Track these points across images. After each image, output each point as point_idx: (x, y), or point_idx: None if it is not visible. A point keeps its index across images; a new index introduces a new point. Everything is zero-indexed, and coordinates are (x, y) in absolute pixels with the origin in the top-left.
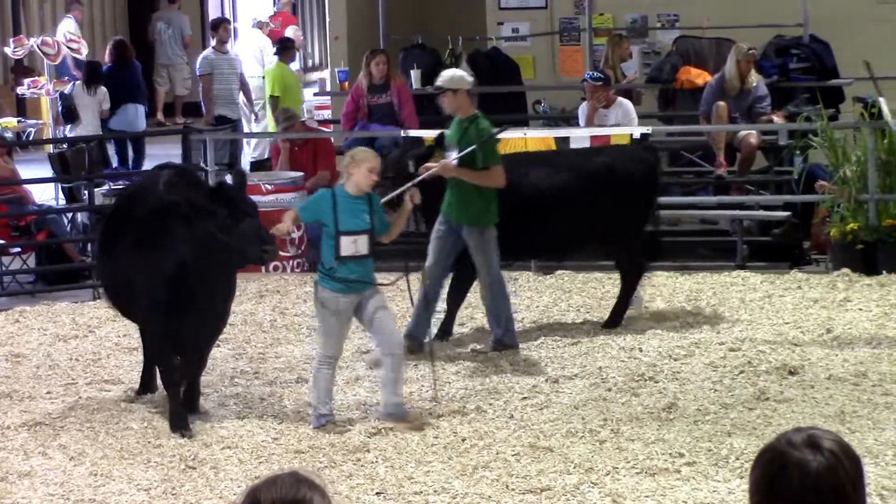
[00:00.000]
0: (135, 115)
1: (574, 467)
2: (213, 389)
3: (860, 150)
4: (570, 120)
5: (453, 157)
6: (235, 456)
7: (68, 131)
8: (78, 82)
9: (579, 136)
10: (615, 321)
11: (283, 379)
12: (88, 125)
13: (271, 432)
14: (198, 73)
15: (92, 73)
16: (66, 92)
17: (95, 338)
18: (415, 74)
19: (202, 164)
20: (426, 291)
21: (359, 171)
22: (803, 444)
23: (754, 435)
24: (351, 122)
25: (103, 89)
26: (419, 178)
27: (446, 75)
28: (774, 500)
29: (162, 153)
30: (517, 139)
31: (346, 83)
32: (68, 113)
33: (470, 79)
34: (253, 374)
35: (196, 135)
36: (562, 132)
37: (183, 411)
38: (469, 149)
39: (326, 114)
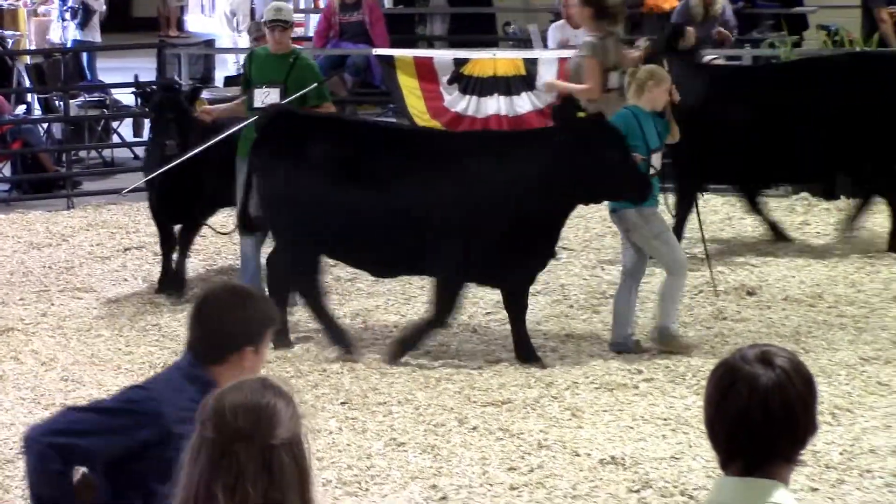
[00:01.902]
0: None
1: (535, 381)
2: (184, 298)
3: None
4: (538, 44)
5: (272, 94)
6: None
7: (81, 35)
8: None
9: (548, 58)
10: None
11: None
12: (96, 29)
13: None
14: None
15: None
16: None
17: (69, 246)
18: None
19: (176, 78)
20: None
21: (659, 90)
22: (756, 359)
23: (711, 353)
24: (323, 40)
25: None
26: (254, 119)
27: (286, 8)
28: (724, 413)
29: (134, 66)
30: (486, 59)
31: (319, 1)
32: (86, 17)
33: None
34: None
35: (170, 49)
36: (530, 54)
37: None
38: (312, 86)
39: (300, 31)
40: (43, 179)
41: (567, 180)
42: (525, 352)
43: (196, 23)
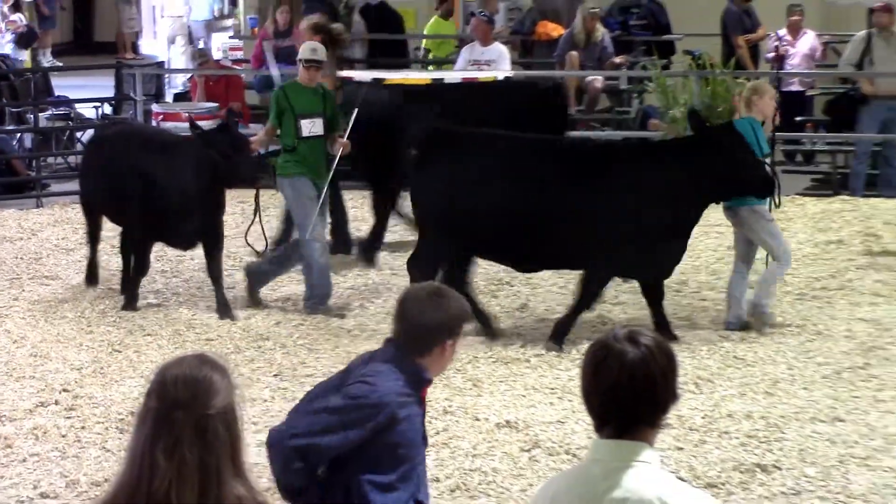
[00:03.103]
0: None
1: None
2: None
3: (687, 94)
4: (444, 64)
5: (317, 123)
6: (155, 342)
7: (14, 54)
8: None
9: (452, 77)
10: None
11: (197, 278)
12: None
13: (186, 322)
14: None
15: None
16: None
17: (38, 240)
18: None
19: (131, 95)
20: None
21: (763, 101)
22: (625, 338)
23: (591, 332)
24: (259, 63)
25: None
26: (336, 158)
27: (320, 49)
28: (598, 384)
29: (96, 84)
30: (399, 78)
31: (256, 29)
32: (29, 40)
33: None
34: (171, 273)
35: (127, 69)
36: (436, 74)
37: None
38: (353, 115)
39: (239, 54)
40: (15, 182)
41: (706, 181)
42: (667, 330)
43: (149, 46)
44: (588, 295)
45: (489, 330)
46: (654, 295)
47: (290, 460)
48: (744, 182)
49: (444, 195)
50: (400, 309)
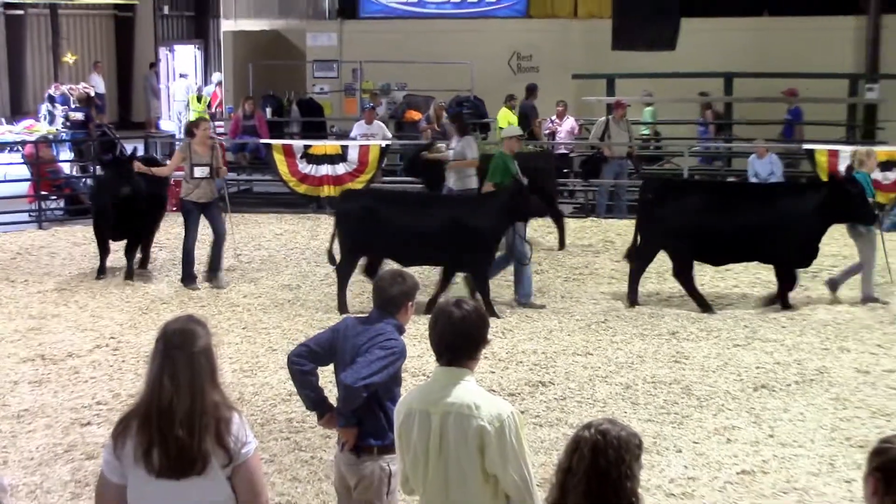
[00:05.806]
0: None
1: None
2: (164, 273)
3: None
4: (349, 136)
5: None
6: (168, 308)
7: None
8: None
9: (353, 145)
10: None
11: (197, 268)
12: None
13: (189, 295)
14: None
15: None
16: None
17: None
18: (268, 111)
19: (154, 155)
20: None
21: (870, 161)
22: (452, 304)
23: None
24: (234, 135)
25: None
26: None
27: (519, 129)
28: (435, 332)
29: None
30: (321, 145)
31: (232, 113)
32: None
33: None
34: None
35: (151, 139)
36: (344, 142)
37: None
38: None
39: (221, 129)
40: (81, 209)
41: (839, 210)
42: (787, 304)
43: (166, 124)
44: (790, 276)
45: (705, 308)
46: (785, 281)
47: (361, 392)
48: (860, 214)
49: (678, 224)
50: (379, 287)
